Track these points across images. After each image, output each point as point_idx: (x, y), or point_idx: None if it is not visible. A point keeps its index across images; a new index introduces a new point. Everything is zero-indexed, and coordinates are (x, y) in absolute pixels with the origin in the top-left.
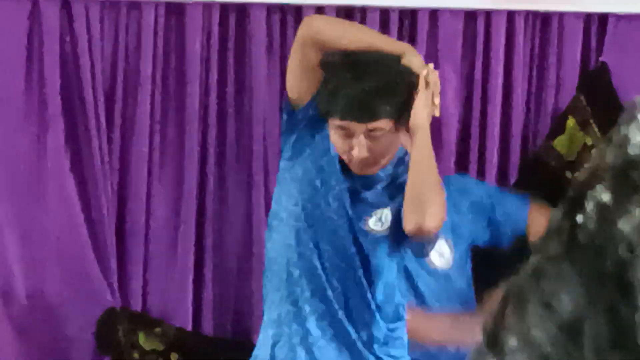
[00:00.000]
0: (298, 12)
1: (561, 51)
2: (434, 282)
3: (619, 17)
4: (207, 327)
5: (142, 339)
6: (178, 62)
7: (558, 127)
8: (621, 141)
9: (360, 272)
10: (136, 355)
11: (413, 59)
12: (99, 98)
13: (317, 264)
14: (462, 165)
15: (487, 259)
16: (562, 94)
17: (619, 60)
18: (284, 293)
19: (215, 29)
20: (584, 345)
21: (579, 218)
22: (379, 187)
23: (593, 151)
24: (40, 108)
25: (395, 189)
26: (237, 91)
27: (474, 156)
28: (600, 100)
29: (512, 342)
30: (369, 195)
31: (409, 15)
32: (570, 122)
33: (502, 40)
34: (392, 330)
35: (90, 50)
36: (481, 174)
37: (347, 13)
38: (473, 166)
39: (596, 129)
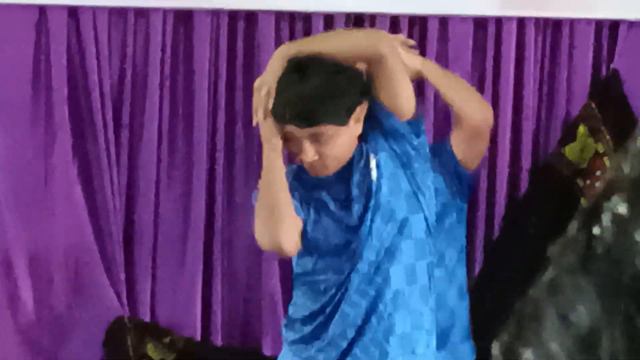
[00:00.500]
0: (307, 20)
1: (572, 58)
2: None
3: (631, 24)
4: (216, 337)
5: (150, 349)
6: (186, 69)
7: (569, 135)
8: (637, 152)
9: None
10: None
11: (386, 51)
12: (107, 105)
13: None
14: None
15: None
16: (573, 101)
17: (631, 67)
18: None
19: (224, 36)
20: (601, 358)
21: (596, 230)
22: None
23: (607, 161)
24: (47, 115)
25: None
26: (245, 98)
27: (484, 162)
28: (611, 107)
29: (528, 355)
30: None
31: (419, 22)
32: (582, 129)
33: (513, 47)
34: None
35: (97, 57)
36: (491, 180)
37: (356, 20)
38: (483, 172)
39: (607, 137)
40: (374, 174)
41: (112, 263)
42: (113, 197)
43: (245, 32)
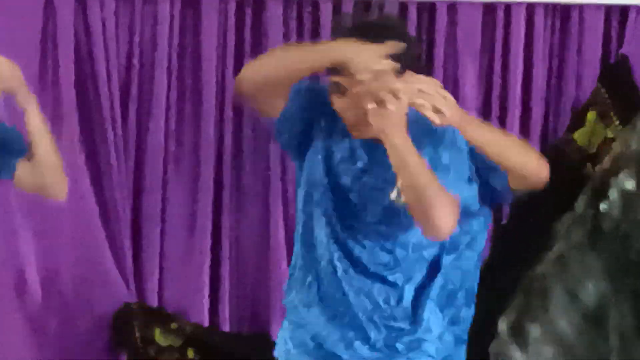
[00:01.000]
0: (315, 7)
1: (581, 43)
2: None
3: None
4: (224, 322)
5: (158, 334)
6: (194, 56)
7: (578, 120)
8: None
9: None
10: (152, 351)
11: (358, 61)
12: (114, 93)
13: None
14: None
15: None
16: (582, 86)
17: None
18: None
19: (232, 23)
20: (609, 334)
21: (603, 206)
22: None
23: (615, 139)
24: (54, 103)
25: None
26: None
27: None
28: (621, 92)
29: (534, 330)
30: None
31: (428, 8)
32: (591, 114)
33: (522, 33)
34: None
35: (105, 44)
36: None
37: (365, 7)
38: None
39: (617, 122)
40: None
41: (119, 249)
42: (120, 184)
43: (253, 19)
